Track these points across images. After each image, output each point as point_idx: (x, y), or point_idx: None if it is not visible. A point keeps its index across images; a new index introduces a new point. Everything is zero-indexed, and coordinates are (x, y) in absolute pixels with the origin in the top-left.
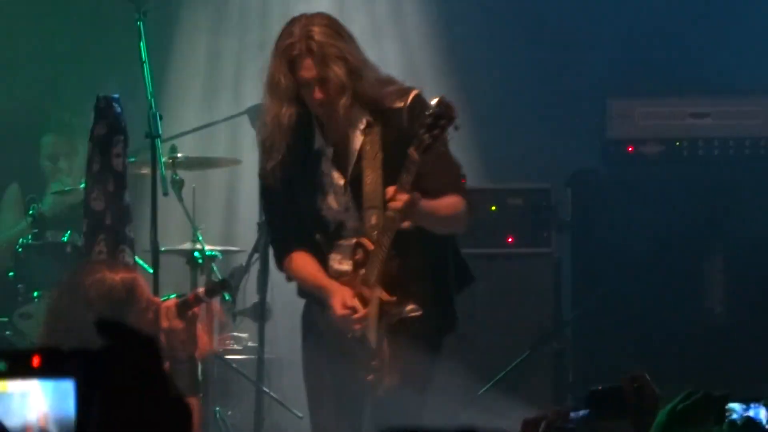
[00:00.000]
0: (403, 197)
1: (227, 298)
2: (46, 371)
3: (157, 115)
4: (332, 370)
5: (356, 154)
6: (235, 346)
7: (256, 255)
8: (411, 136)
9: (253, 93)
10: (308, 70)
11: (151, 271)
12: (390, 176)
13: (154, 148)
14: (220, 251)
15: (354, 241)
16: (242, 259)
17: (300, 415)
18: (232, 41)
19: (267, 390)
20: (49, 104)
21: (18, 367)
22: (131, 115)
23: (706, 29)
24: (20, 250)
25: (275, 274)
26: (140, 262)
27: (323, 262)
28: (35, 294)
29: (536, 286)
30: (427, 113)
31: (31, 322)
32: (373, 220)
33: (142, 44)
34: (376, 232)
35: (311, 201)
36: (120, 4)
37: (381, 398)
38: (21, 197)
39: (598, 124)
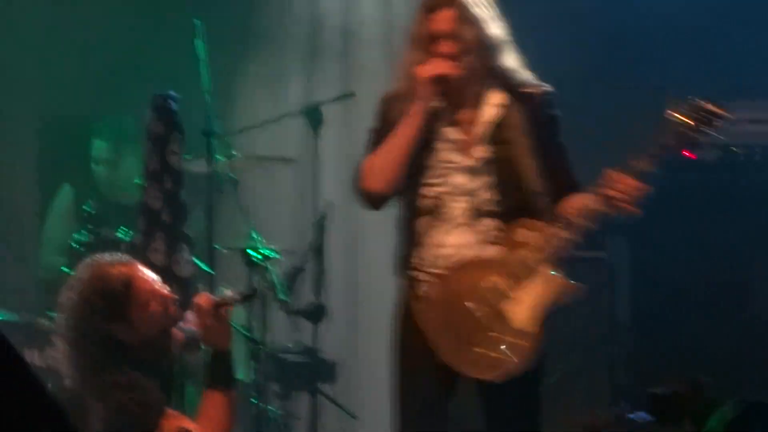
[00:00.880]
0: (633, 183)
1: (283, 298)
2: None
3: (213, 114)
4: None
5: (487, 125)
6: (290, 346)
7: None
8: (540, 126)
9: (305, 94)
10: (444, 22)
11: (209, 269)
12: (523, 168)
13: (210, 147)
14: (276, 250)
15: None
16: (298, 259)
17: (355, 415)
18: (286, 43)
19: (322, 390)
20: (101, 105)
21: None
22: (188, 112)
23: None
24: (75, 246)
25: (331, 275)
26: (197, 260)
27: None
28: None
29: (591, 290)
30: (696, 114)
31: None
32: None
33: (199, 42)
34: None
35: (420, 155)
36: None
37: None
38: (72, 199)
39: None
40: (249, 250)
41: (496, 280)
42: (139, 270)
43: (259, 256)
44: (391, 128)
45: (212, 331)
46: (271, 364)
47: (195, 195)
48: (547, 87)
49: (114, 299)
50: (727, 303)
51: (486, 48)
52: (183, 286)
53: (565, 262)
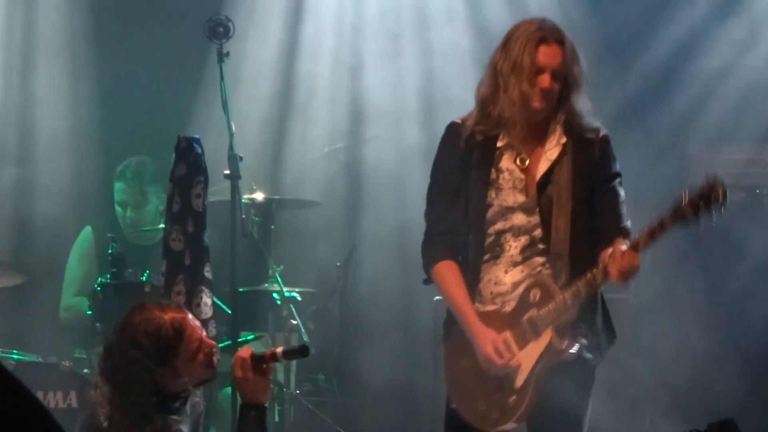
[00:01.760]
0: (635, 263)
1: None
2: None
3: (237, 156)
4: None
5: (549, 163)
6: (312, 389)
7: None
8: (597, 170)
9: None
10: (554, 57)
11: (230, 311)
12: (576, 211)
13: (234, 189)
14: (298, 293)
15: (529, 280)
16: (320, 302)
17: None
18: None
19: None
20: (122, 148)
21: None
22: (211, 154)
23: None
24: (99, 288)
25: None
26: (218, 302)
27: (474, 267)
28: None
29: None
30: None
31: None
32: (561, 268)
33: (222, 85)
34: (563, 281)
35: (481, 193)
36: (200, 45)
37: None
38: (93, 240)
39: (678, 170)
40: (272, 293)
41: (507, 336)
42: (190, 319)
43: (280, 299)
44: (457, 161)
45: (251, 385)
46: (294, 406)
47: (218, 237)
48: (605, 132)
49: (165, 345)
50: (747, 342)
51: (575, 88)
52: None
53: None
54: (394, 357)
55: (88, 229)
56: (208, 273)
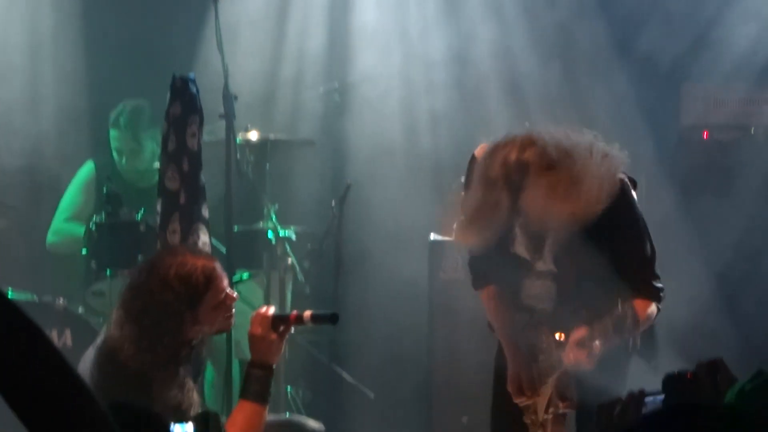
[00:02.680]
0: (581, 358)
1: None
2: None
3: (232, 95)
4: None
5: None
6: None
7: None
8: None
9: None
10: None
11: (225, 250)
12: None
13: (228, 129)
14: (293, 232)
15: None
16: (315, 241)
17: (371, 394)
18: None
19: (339, 369)
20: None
21: None
22: (206, 94)
23: None
24: (93, 227)
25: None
26: (214, 241)
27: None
28: (108, 272)
29: None
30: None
31: (103, 299)
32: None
33: (217, 24)
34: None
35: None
36: None
37: None
38: (94, 176)
39: (673, 110)
40: (267, 231)
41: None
42: (219, 269)
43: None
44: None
45: (266, 344)
46: (289, 344)
47: (213, 176)
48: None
49: (194, 290)
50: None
51: None
52: None
53: None
54: (388, 296)
55: (90, 163)
56: (204, 212)
